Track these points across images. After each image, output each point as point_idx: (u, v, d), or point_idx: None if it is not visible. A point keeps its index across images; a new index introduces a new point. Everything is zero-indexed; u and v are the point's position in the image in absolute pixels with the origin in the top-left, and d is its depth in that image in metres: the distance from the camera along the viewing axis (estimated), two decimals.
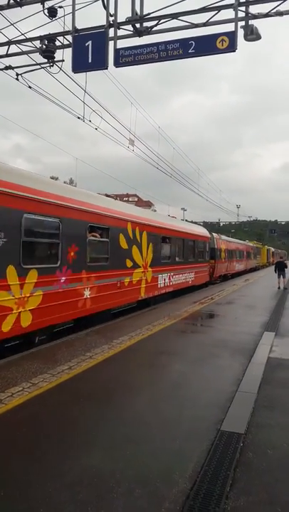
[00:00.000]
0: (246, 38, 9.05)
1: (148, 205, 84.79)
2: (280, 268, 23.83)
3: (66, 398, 5.41)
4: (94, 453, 3.94)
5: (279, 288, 22.40)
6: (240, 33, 8.97)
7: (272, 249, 75.06)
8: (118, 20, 9.74)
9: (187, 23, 9.47)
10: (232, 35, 8.78)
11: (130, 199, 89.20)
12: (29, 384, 5.82)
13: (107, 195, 13.11)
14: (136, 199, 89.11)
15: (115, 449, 4.03)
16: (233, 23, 8.93)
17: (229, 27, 8.98)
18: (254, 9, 9.06)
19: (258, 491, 3.36)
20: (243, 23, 9.03)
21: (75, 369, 6.60)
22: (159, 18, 9.61)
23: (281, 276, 23.28)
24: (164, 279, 16.07)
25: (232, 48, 8.77)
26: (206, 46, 9.02)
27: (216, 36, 8.91)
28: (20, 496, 3.22)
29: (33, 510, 3.05)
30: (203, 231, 23.67)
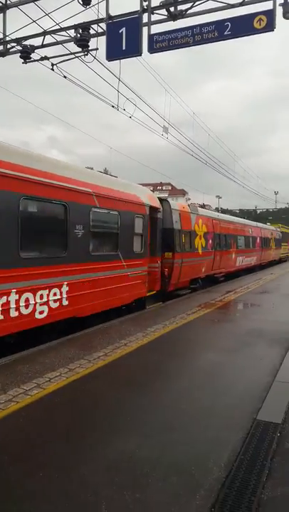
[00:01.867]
0: (285, 16, 8.65)
1: (182, 193, 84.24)
2: None
3: (102, 384, 5.50)
4: (129, 438, 3.99)
5: None
6: (279, 11, 8.61)
7: None
8: (152, 5, 9.59)
9: (223, 4, 9.17)
10: (270, 14, 8.44)
11: (164, 187, 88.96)
12: (66, 369, 5.95)
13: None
14: (170, 188, 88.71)
15: (150, 436, 4.06)
16: (271, 1, 8.57)
17: (267, 5, 8.64)
18: None
19: None
20: (281, 0, 8.65)
21: (110, 356, 6.70)
22: (194, 0, 9.37)
23: None
24: None
25: (270, 27, 8.44)
26: (242, 27, 8.73)
27: (253, 16, 8.60)
28: (58, 478, 3.31)
29: (71, 491, 3.13)
30: (135, 191, 11.32)
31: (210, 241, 17.20)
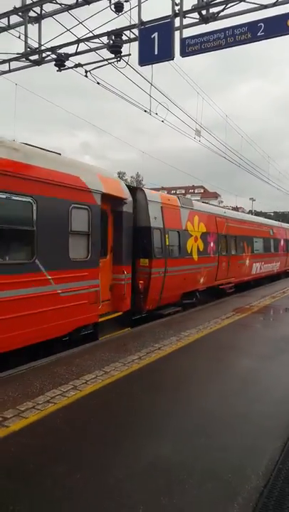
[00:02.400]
0: None
1: (214, 196, 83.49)
2: None
3: (136, 387, 5.53)
4: (164, 443, 4.00)
5: None
6: None
7: None
8: (184, 9, 9.60)
9: (256, 5, 9.06)
10: None
11: (196, 191, 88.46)
12: (102, 372, 6.03)
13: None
14: (202, 190, 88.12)
15: (185, 441, 4.05)
16: None
17: None
18: None
19: None
20: None
21: (144, 359, 6.72)
22: (226, 2, 9.31)
23: None
24: None
25: None
26: (276, 27, 8.60)
27: (286, 16, 8.47)
28: (93, 480, 3.35)
29: (106, 494, 3.16)
30: (79, 170, 7.78)
31: (211, 244, 13.71)
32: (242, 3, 9.22)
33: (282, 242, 23.93)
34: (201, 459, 3.69)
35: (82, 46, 11.32)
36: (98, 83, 11.75)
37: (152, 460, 3.68)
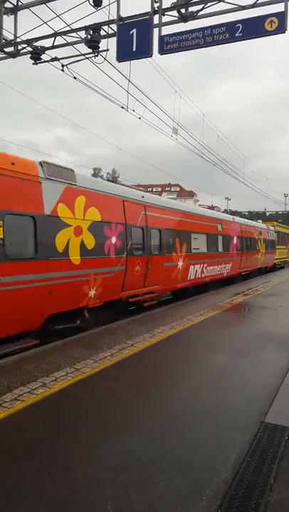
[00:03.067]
0: None
1: (190, 195, 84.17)
2: None
3: (108, 384, 5.48)
4: (135, 439, 3.97)
5: None
6: None
7: None
8: (163, 6, 9.59)
9: (234, 6, 9.15)
10: (282, 16, 8.39)
11: (172, 189, 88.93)
12: (72, 369, 5.95)
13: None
14: (178, 189, 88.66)
15: (156, 436, 4.04)
16: (283, 3, 8.53)
17: (279, 7, 8.60)
18: None
19: None
20: None
21: (116, 356, 6.68)
22: (205, 1, 9.36)
23: None
24: None
25: (282, 29, 8.39)
26: (253, 28, 8.70)
27: (264, 18, 8.57)
28: (63, 476, 3.30)
29: (76, 489, 3.11)
30: None
31: (113, 239, 9.86)
32: (221, 3, 9.29)
33: (235, 240, 19.91)
34: (172, 454, 3.69)
35: (60, 40, 11.14)
36: (75, 78, 11.61)
37: (123, 455, 3.65)
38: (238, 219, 23.01)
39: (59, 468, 3.41)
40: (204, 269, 16.08)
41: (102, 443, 3.87)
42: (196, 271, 15.23)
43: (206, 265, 16.15)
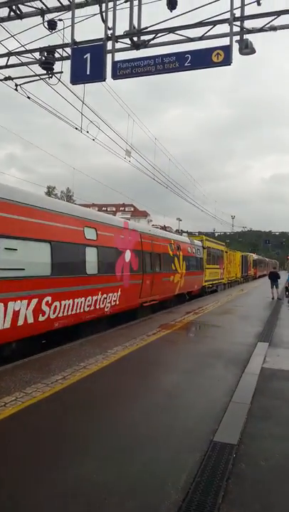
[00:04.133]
0: (241, 51, 9.19)
1: (144, 215, 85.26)
2: (272, 279, 24.05)
3: (60, 408, 5.38)
4: (87, 463, 3.93)
5: (273, 298, 22.53)
6: (236, 47, 9.12)
7: (255, 256, 58.30)
8: (116, 34, 9.88)
9: (183, 37, 9.62)
10: (227, 49, 8.91)
11: (126, 209, 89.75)
12: (22, 394, 5.79)
13: None
14: (132, 209, 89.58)
15: (108, 460, 4.01)
16: (228, 38, 9.08)
17: (224, 41, 9.13)
18: (249, 24, 9.25)
19: (250, 502, 3.35)
20: (238, 37, 9.19)
21: (69, 379, 6.58)
22: (156, 32, 9.76)
23: (274, 286, 23.42)
24: None
25: (227, 61, 8.89)
26: (201, 60, 9.15)
27: (211, 50, 9.05)
28: (12, 504, 3.20)
29: None
30: None
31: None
32: (171, 34, 9.73)
33: (131, 257, 13.12)
34: (123, 477, 3.68)
35: (14, 60, 11.17)
36: (29, 97, 11.61)
37: (74, 481, 3.59)
38: (137, 225, 16.05)
39: (7, 495, 3.30)
40: (66, 307, 9.29)
41: (53, 469, 3.78)
42: (44, 310, 8.48)
43: (72, 299, 9.49)
